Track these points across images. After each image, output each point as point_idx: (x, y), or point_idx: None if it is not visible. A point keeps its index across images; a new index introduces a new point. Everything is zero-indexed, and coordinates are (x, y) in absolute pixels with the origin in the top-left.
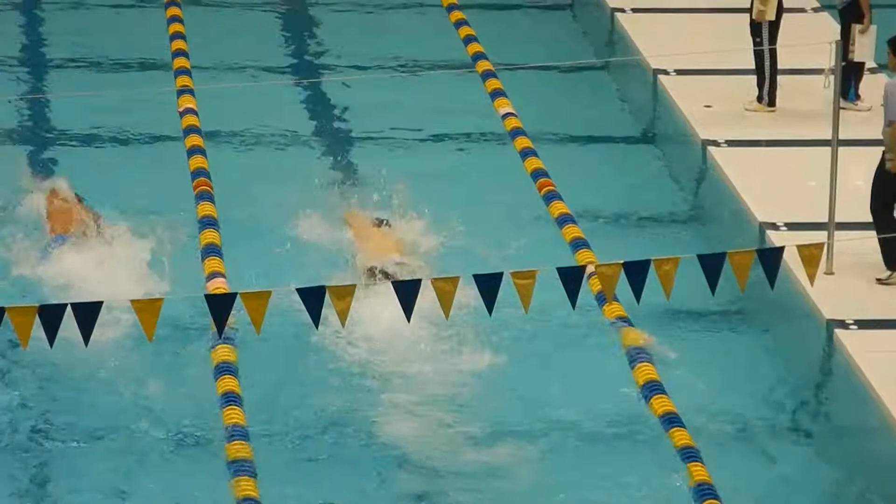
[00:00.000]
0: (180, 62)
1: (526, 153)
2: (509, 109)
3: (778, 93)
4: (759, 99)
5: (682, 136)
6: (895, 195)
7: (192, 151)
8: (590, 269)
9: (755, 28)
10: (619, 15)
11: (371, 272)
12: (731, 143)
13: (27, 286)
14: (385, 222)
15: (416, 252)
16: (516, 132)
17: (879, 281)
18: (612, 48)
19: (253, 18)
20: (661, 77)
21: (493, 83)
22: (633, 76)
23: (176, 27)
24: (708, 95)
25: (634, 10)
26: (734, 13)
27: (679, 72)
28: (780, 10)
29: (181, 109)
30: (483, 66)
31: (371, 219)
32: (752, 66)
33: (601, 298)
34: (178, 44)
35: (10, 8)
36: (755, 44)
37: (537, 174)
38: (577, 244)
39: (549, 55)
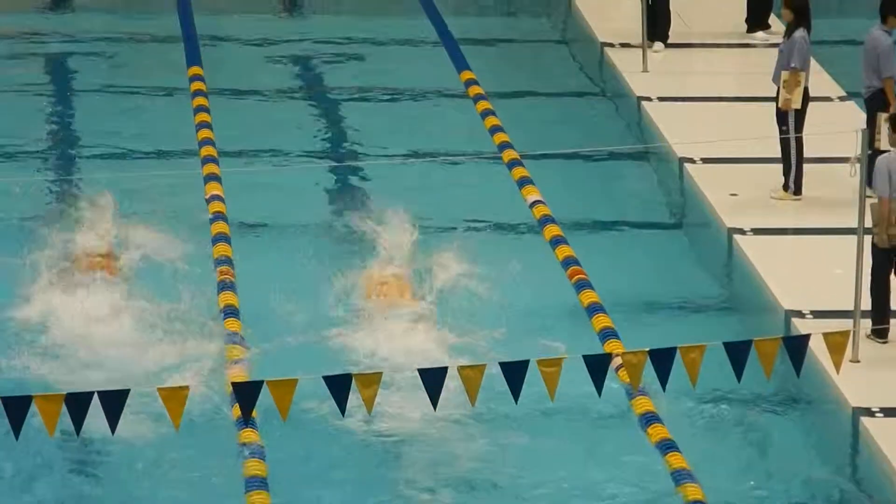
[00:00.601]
0: (207, 150)
1: (556, 241)
2: (537, 197)
3: (804, 181)
4: (786, 187)
5: (708, 223)
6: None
7: (217, 239)
8: (616, 358)
9: (781, 116)
10: (645, 103)
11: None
12: (757, 230)
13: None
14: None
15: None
16: (545, 220)
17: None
18: (639, 136)
19: (282, 108)
20: (688, 165)
21: (519, 171)
22: (659, 164)
23: (202, 116)
24: (734, 184)
25: (661, 99)
26: (760, 101)
27: (705, 160)
28: (807, 98)
29: (208, 196)
30: (510, 154)
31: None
32: (778, 154)
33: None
34: (205, 133)
35: (45, 94)
36: (781, 132)
37: (568, 262)
38: (606, 334)
39: (575, 143)
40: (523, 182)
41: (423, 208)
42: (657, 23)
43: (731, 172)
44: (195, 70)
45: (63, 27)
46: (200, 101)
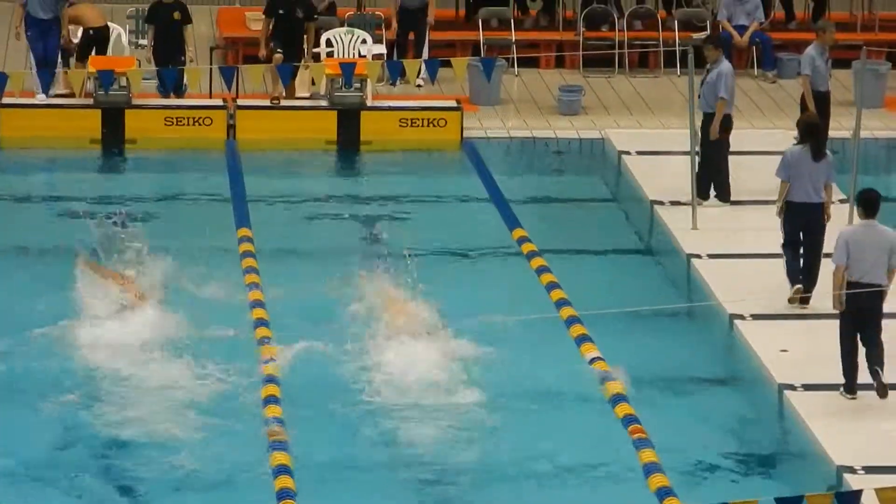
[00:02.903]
0: (258, 313)
1: (616, 399)
2: (596, 354)
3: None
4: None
5: (758, 379)
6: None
7: (268, 401)
8: None
9: None
10: (695, 261)
11: None
12: (808, 386)
13: None
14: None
15: None
16: (604, 376)
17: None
18: (690, 293)
19: (332, 268)
20: (737, 321)
21: (577, 329)
22: (710, 321)
23: (251, 278)
24: (784, 339)
25: (710, 256)
26: None
27: (755, 316)
28: (810, 210)
29: (264, 359)
30: (567, 312)
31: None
32: (828, 311)
33: None
34: (255, 294)
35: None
36: None
37: (627, 420)
38: (663, 493)
39: (627, 300)
40: (581, 340)
41: (478, 367)
42: (710, 179)
43: (780, 328)
44: (244, 231)
45: (112, 188)
46: (249, 262)
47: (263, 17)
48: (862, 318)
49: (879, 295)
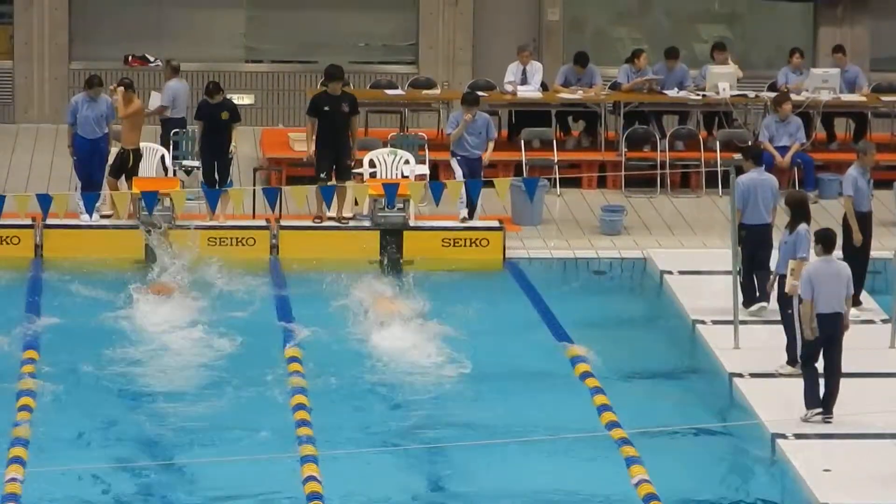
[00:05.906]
0: (304, 431)
1: None
2: (644, 476)
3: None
4: (791, 363)
5: (802, 499)
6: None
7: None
8: None
9: (786, 301)
10: (737, 380)
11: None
12: None
13: None
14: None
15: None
16: (649, 497)
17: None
18: (732, 412)
19: (380, 387)
20: (780, 441)
21: (628, 450)
22: (752, 440)
23: (299, 399)
24: (827, 459)
25: (752, 375)
26: (852, 378)
27: (797, 436)
28: None
29: (304, 476)
30: (618, 433)
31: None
32: (877, 429)
33: None
34: (301, 414)
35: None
36: (786, 315)
37: None
38: None
39: (669, 420)
40: (631, 461)
41: (529, 486)
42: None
43: (824, 447)
44: (292, 351)
45: (154, 308)
46: (298, 381)
47: (308, 117)
48: (827, 343)
49: (841, 321)
